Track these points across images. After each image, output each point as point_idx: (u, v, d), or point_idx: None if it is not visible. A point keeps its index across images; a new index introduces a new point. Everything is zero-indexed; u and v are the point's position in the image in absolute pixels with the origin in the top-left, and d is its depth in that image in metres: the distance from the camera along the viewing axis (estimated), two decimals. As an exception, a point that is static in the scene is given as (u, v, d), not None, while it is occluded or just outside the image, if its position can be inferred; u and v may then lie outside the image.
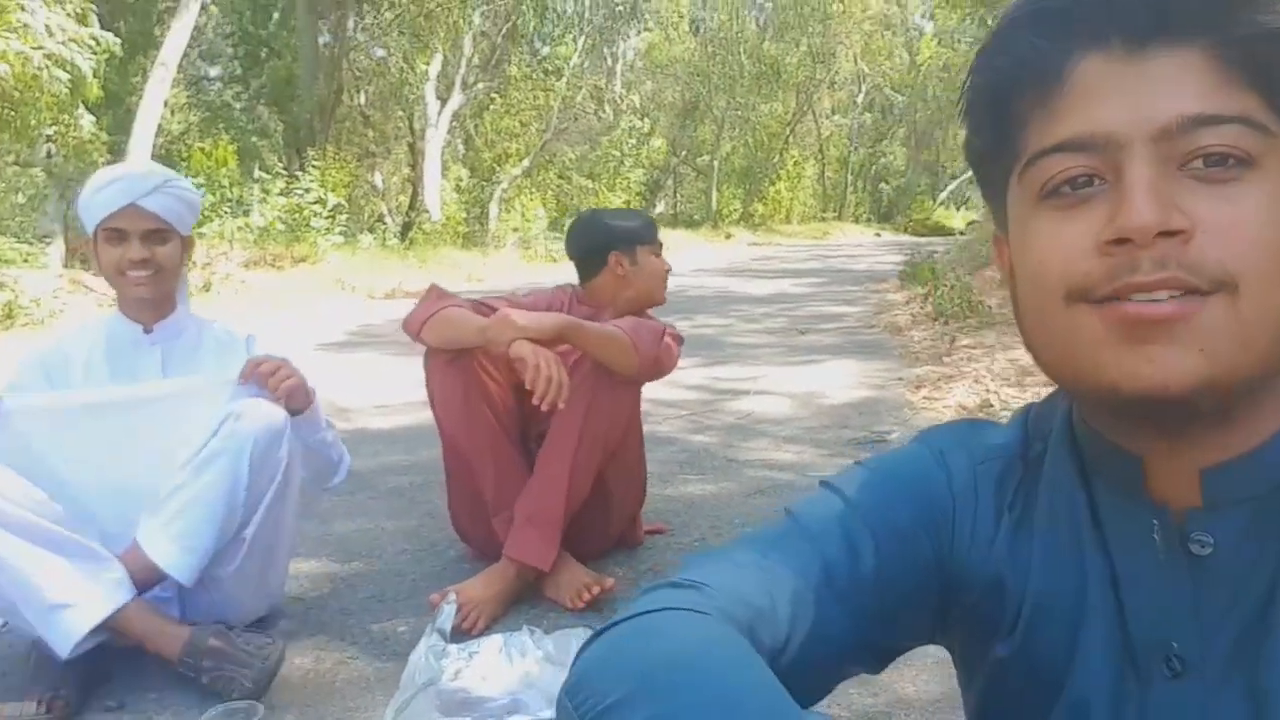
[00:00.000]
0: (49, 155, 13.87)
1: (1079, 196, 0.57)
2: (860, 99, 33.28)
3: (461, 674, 1.73)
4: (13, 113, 11.16)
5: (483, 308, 2.17)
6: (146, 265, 1.88)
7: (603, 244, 2.40)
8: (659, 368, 2.23)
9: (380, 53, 19.57)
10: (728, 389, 4.93)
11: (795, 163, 31.08)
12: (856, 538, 0.70)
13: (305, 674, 1.84)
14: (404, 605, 2.17)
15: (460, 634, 1.90)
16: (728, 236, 22.90)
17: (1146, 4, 0.55)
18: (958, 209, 33.45)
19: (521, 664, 1.77)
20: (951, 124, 29.29)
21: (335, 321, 8.45)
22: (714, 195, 27.39)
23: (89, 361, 1.92)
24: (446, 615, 1.83)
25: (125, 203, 1.84)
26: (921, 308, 7.62)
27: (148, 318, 1.96)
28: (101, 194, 1.86)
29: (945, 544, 0.71)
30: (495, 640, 1.82)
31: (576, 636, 1.81)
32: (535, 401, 1.97)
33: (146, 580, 1.74)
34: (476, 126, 21.45)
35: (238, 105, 18.46)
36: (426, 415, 2.30)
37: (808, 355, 5.94)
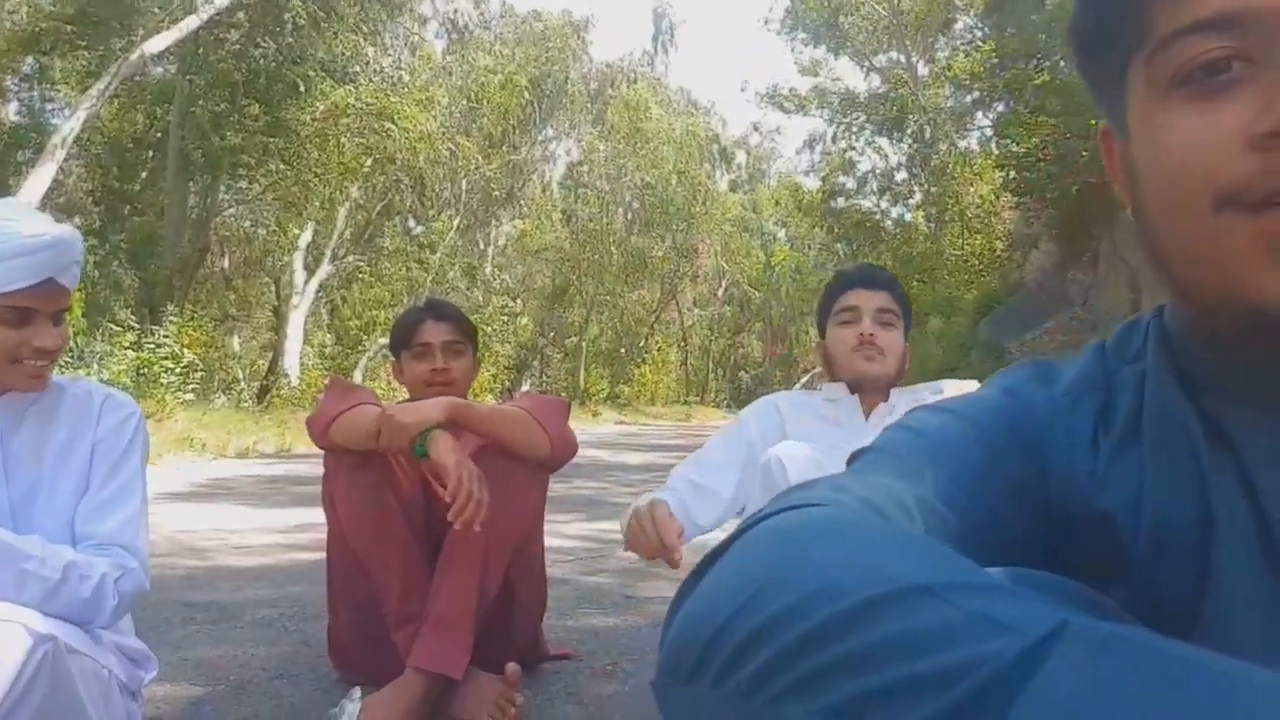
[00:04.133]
0: None
1: (1220, 83, 0.50)
2: (720, 293, 35.09)
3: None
4: None
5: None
6: (49, 354, 1.52)
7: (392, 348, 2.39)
8: (569, 446, 2.11)
9: (248, 223, 19.42)
10: (614, 539, 4.75)
11: (660, 348, 32.11)
12: (956, 456, 0.60)
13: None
14: (283, 726, 1.87)
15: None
16: (595, 414, 23.03)
17: None
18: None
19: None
20: (804, 320, 31.18)
21: (180, 475, 7.85)
22: (582, 374, 27.77)
23: None
24: (350, 714, 1.58)
25: (43, 276, 1.47)
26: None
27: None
28: (13, 264, 1.46)
29: (1040, 478, 0.62)
30: (401, 752, 1.58)
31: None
32: (450, 518, 1.80)
33: None
34: (344, 296, 21.28)
35: (92, 259, 17.72)
36: (294, 555, 2.10)
37: (690, 512, 5.87)
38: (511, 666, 1.89)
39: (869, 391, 1.96)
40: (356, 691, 1.69)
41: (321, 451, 2.04)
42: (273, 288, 20.22)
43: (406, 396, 2.31)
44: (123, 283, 17.58)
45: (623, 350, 30.37)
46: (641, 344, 30.96)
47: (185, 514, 5.23)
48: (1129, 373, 0.63)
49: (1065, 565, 0.62)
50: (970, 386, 1.77)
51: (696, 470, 1.97)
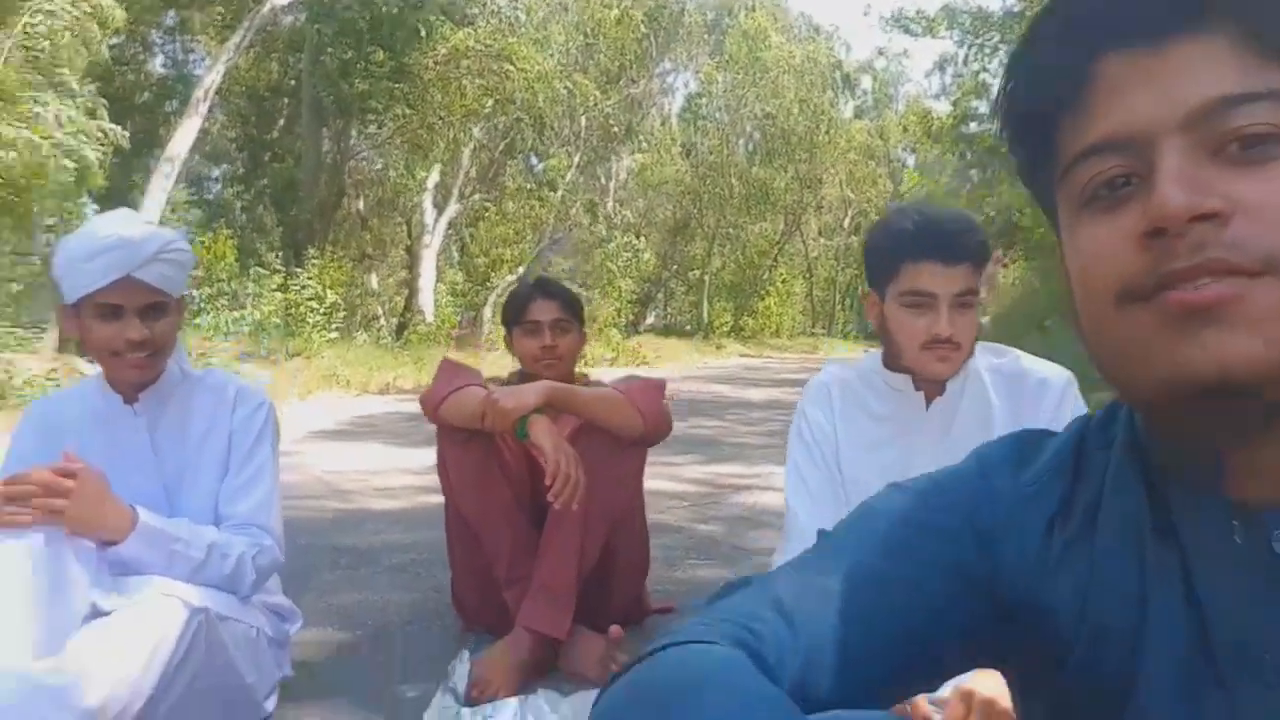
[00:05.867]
0: (47, 244, 13.95)
1: (1118, 198, 0.56)
2: (847, 222, 34.21)
3: (480, 735, 1.67)
4: (15, 198, 11.33)
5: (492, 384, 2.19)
6: (145, 346, 1.69)
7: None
8: (663, 425, 2.22)
9: (379, 166, 20.10)
10: (729, 484, 4.90)
11: (784, 280, 31.69)
12: (897, 553, 0.67)
13: (314, 736, 1.77)
14: (412, 671, 2.09)
15: (477, 703, 1.83)
16: (719, 348, 23.10)
17: None
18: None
19: (539, 729, 1.70)
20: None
21: (327, 412, 8.42)
22: (705, 308, 27.80)
23: (80, 429, 1.78)
24: (460, 675, 1.77)
25: (119, 275, 1.63)
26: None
27: (131, 390, 1.78)
28: (92, 265, 1.63)
29: (991, 566, 0.67)
30: (510, 704, 1.76)
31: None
32: (550, 499, 1.96)
33: None
34: (472, 234, 21.89)
35: (239, 204, 18.82)
36: (427, 499, 2.29)
37: (805, 456, 5.92)
38: (614, 628, 2.05)
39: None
40: (465, 653, 1.88)
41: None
42: (404, 227, 20.98)
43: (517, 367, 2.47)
44: (267, 225, 18.64)
45: (746, 283, 30.15)
46: (765, 276, 30.63)
47: (332, 453, 5.65)
48: (1098, 460, 0.67)
49: (1007, 648, 0.69)
50: (1053, 372, 1.71)
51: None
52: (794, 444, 1.84)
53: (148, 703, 1.41)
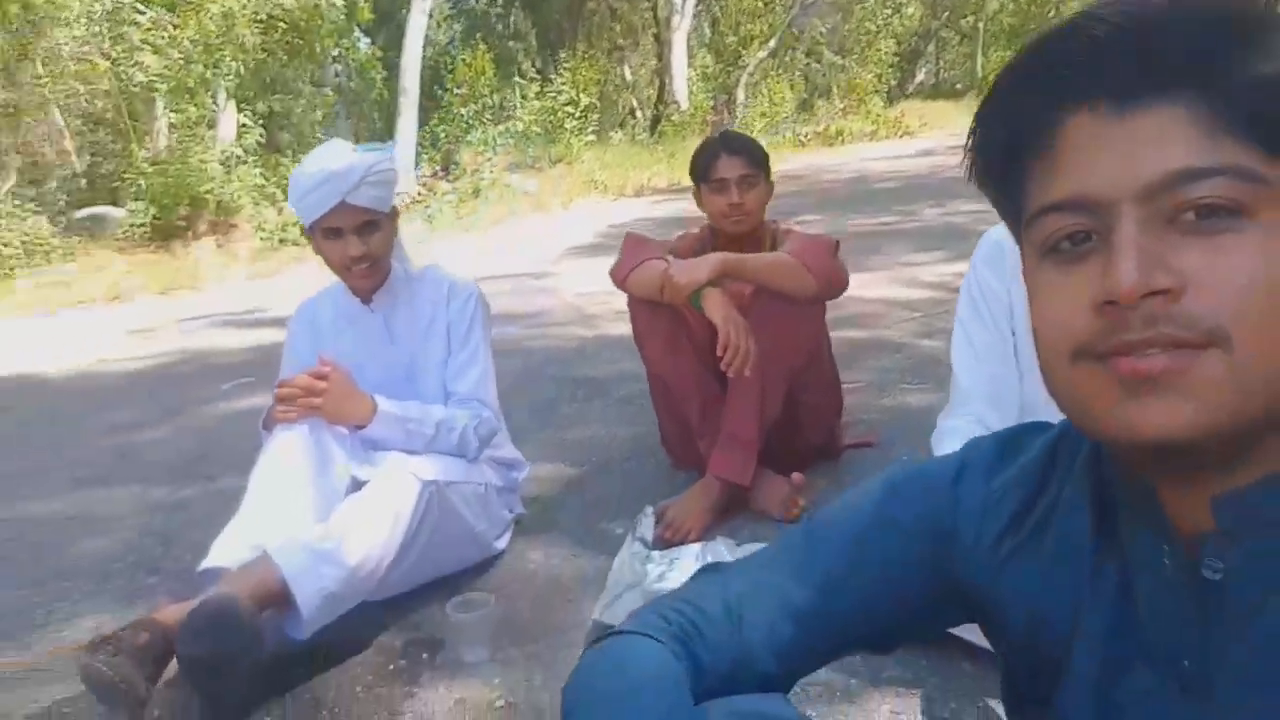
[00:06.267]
0: (336, 75, 15.26)
1: (1078, 253, 0.58)
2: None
3: (665, 577, 1.95)
4: (301, 40, 12.43)
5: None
6: (365, 259, 2.00)
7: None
8: (836, 283, 2.28)
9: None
10: (966, 287, 4.75)
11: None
12: (862, 543, 0.79)
13: (537, 568, 2.15)
14: (624, 509, 2.41)
15: (669, 544, 2.11)
16: (994, 106, 21.13)
17: (1130, 59, 0.56)
18: None
19: (720, 569, 1.96)
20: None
21: (586, 222, 8.90)
22: (979, 60, 25.27)
23: (333, 323, 2.17)
24: (646, 525, 2.04)
25: (334, 202, 1.93)
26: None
27: (366, 293, 2.13)
28: (311, 197, 1.94)
29: (947, 560, 0.77)
30: (693, 548, 2.02)
31: (768, 549, 1.97)
32: (723, 368, 2.12)
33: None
34: (721, 9, 21.04)
35: (494, 12, 19.30)
36: None
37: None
38: (796, 475, 2.24)
39: None
40: (649, 509, 2.15)
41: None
42: (652, 11, 20.57)
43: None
44: (522, 31, 19.05)
45: (1030, 24, 26.79)
46: (1052, 14, 27.02)
47: (584, 273, 6.08)
48: (1064, 467, 0.73)
49: (952, 622, 0.82)
50: None
51: (962, 421, 1.76)
52: (963, 301, 1.83)
53: (395, 558, 1.81)
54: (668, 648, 0.76)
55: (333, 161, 1.96)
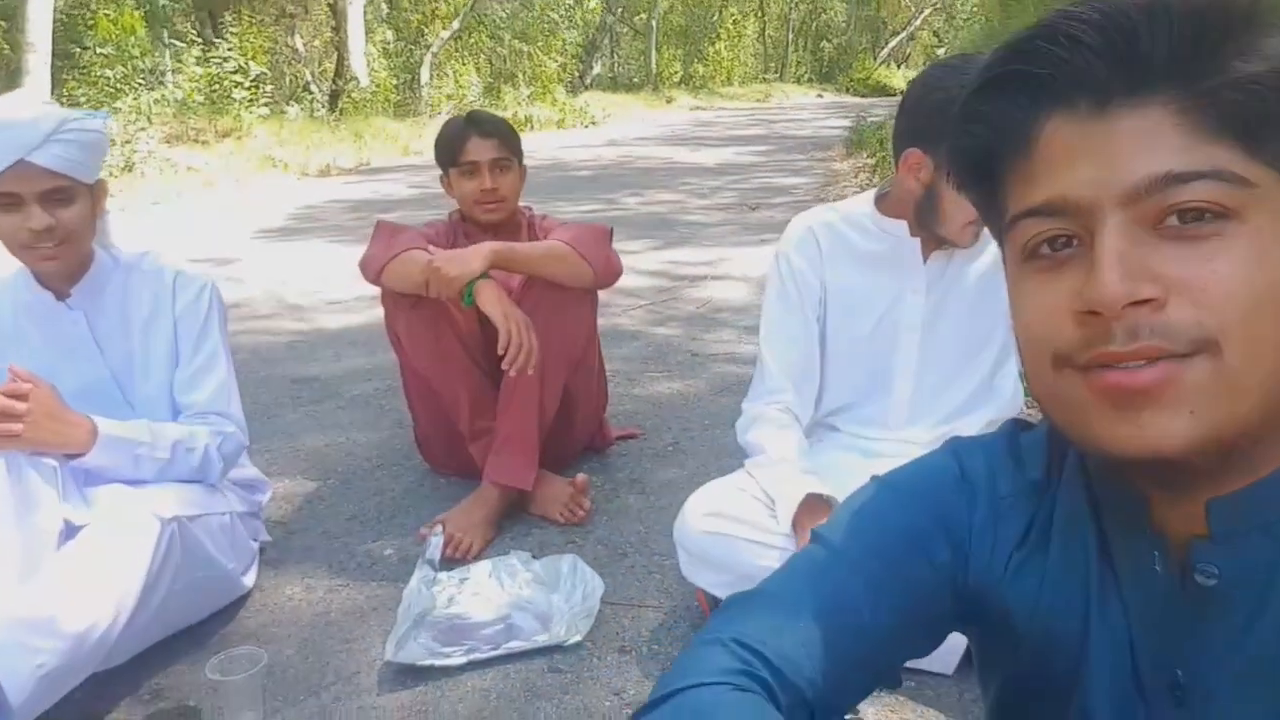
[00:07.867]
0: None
1: (1058, 258, 0.57)
2: (802, -49, 32.09)
3: (455, 600, 1.76)
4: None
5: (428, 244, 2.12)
6: (51, 235, 1.60)
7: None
8: (612, 271, 2.21)
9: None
10: (685, 274, 4.91)
11: (735, 21, 30.06)
12: (874, 565, 0.72)
13: (298, 605, 1.86)
14: (387, 526, 2.18)
15: (453, 563, 1.93)
16: (669, 101, 22.29)
17: (1109, 61, 0.54)
18: (899, 67, 33.03)
19: (512, 586, 1.80)
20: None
21: (270, 203, 8.14)
22: (653, 56, 26.51)
23: (14, 322, 1.74)
24: (434, 546, 1.85)
25: (12, 160, 1.53)
26: (870, 179, 7.60)
27: (60, 284, 1.72)
28: None
29: (961, 566, 0.73)
30: (484, 565, 1.85)
31: (566, 562, 1.85)
32: (504, 367, 1.97)
33: None
34: (400, -16, 20.23)
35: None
36: (379, 314, 2.26)
37: (760, 234, 5.90)
38: (580, 477, 2.13)
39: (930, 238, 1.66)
40: (439, 528, 1.95)
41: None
42: (326, -20, 19.31)
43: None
44: (176, -12, 17.05)
45: (696, 25, 28.60)
46: (715, 17, 29.03)
47: (279, 257, 5.54)
48: (1069, 472, 0.71)
49: (972, 635, 0.78)
50: None
51: (770, 408, 1.74)
52: (771, 286, 1.81)
53: (129, 616, 1.46)
54: (741, 693, 0.64)
55: (14, 110, 1.56)
